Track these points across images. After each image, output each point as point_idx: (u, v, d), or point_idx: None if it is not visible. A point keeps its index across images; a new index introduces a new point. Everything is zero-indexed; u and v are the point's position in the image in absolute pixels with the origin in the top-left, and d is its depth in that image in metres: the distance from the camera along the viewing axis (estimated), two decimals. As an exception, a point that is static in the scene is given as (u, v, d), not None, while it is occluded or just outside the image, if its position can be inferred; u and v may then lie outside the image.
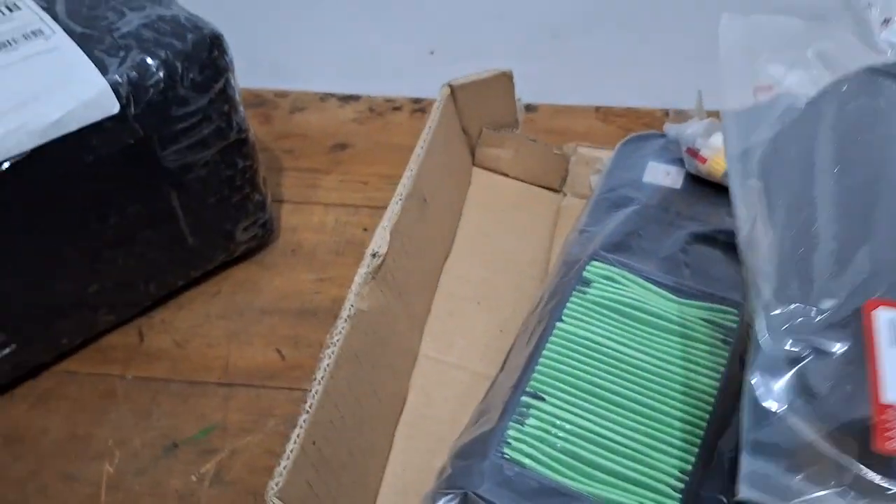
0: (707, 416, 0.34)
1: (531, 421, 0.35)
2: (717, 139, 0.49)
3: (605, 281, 0.40)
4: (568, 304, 0.39)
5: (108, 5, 0.44)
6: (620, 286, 0.40)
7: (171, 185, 0.45)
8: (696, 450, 0.34)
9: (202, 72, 0.43)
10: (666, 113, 0.62)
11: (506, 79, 0.54)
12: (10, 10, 0.43)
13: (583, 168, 0.55)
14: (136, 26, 0.43)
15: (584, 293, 0.40)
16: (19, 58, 0.40)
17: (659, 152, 0.50)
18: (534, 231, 0.53)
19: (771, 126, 0.31)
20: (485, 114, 0.55)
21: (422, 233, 0.47)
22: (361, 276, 0.39)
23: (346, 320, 0.37)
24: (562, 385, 0.36)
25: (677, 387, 0.36)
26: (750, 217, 0.29)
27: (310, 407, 0.34)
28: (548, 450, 0.34)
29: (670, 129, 0.50)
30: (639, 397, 0.35)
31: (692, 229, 0.46)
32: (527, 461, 0.34)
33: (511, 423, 0.35)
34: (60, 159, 0.40)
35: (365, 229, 0.55)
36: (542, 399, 0.36)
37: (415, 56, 0.65)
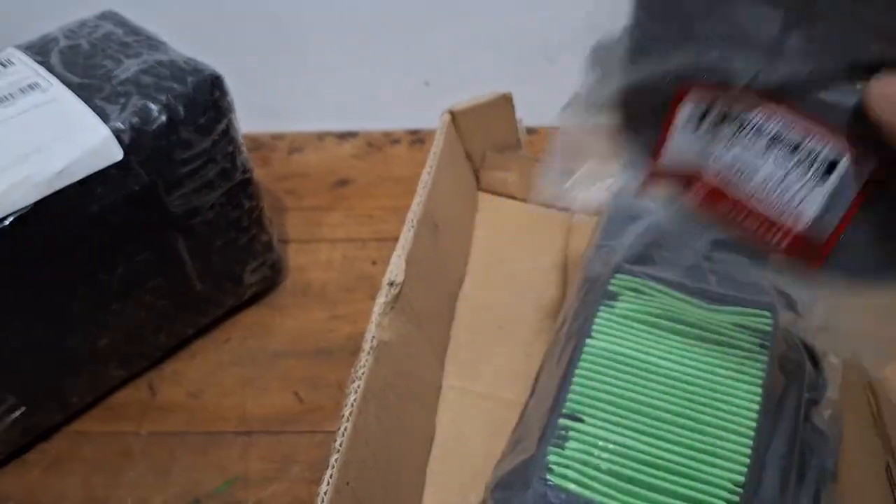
0: (754, 423, 0.33)
1: (572, 444, 0.34)
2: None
3: (631, 293, 0.39)
4: (596, 320, 0.38)
5: (104, 54, 0.43)
6: (648, 297, 0.39)
7: (178, 231, 0.44)
8: (747, 460, 0.32)
9: (204, 113, 0.42)
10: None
11: (505, 101, 0.54)
12: (4, 65, 0.43)
13: (589, 186, 0.54)
14: (134, 72, 0.42)
15: (612, 307, 0.38)
16: (17, 111, 0.40)
17: None
18: (546, 251, 0.52)
19: None
20: (487, 137, 0.54)
21: (436, 259, 0.46)
22: (380, 306, 0.38)
23: (368, 353, 0.36)
24: (599, 403, 0.35)
25: (720, 396, 0.34)
26: None
27: (340, 446, 0.33)
28: (592, 472, 0.33)
29: None
30: (681, 410, 0.34)
31: (711, 236, 0.45)
32: (571, 486, 0.32)
33: (551, 448, 0.34)
34: (65, 210, 0.39)
35: (374, 262, 0.55)
36: (581, 420, 0.34)
37: (410, 89, 0.65)
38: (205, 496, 0.42)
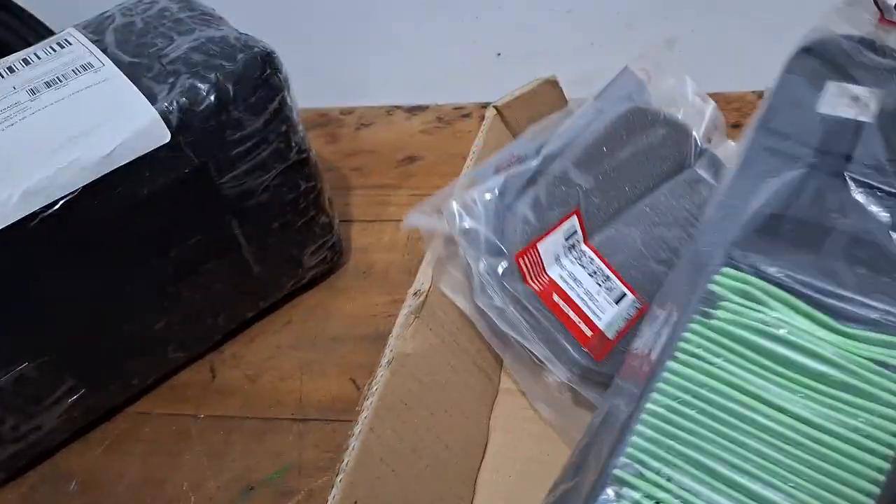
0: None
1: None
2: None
3: (738, 298, 0.29)
4: (684, 335, 0.28)
5: (156, 32, 0.40)
6: (760, 307, 0.28)
7: (232, 213, 0.40)
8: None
9: (255, 92, 0.38)
10: (759, 96, 0.54)
11: (551, 86, 0.48)
12: (62, 46, 0.40)
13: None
14: (184, 50, 0.38)
15: (708, 319, 0.29)
16: (69, 93, 0.37)
17: (846, 64, 0.33)
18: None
19: None
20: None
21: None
22: (403, 317, 0.34)
23: (385, 367, 0.32)
24: (671, 456, 0.26)
25: (843, 461, 0.25)
26: None
27: (346, 465, 0.29)
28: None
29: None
30: (788, 475, 0.25)
31: (873, 208, 0.30)
32: None
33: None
34: (114, 194, 0.35)
35: (439, 245, 0.50)
36: (642, 477, 0.26)
37: (481, 60, 0.59)
38: (258, 483, 0.39)
